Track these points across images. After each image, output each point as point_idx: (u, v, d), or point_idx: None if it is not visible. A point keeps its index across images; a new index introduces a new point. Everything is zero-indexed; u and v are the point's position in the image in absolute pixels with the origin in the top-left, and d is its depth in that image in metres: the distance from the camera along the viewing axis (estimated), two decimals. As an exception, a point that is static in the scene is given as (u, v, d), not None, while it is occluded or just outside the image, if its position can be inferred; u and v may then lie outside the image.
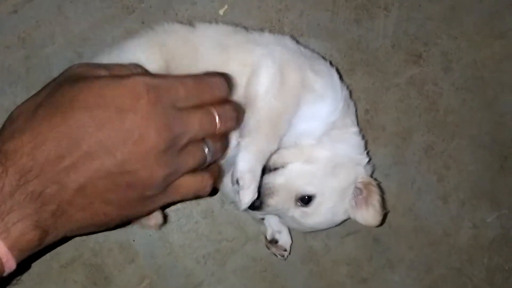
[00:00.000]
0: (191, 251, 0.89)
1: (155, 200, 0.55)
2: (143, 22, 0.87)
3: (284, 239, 0.86)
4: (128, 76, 0.52)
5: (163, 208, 0.69)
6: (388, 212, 0.83)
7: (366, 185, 0.76)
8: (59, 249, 0.86)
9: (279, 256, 0.87)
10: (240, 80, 0.72)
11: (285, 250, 0.87)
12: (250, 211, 0.74)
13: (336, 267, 0.92)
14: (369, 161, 0.80)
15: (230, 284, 0.90)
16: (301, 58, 0.77)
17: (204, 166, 0.59)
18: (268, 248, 0.87)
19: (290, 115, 0.73)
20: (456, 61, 0.93)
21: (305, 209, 0.74)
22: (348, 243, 0.92)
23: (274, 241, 0.86)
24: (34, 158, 0.47)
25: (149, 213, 0.61)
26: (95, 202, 0.50)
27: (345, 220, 0.79)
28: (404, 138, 0.93)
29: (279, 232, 0.86)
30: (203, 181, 0.58)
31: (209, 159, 0.57)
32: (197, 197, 0.60)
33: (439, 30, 0.93)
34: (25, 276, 0.85)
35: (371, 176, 0.80)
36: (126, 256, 0.88)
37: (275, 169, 0.73)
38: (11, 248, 0.47)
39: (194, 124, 0.54)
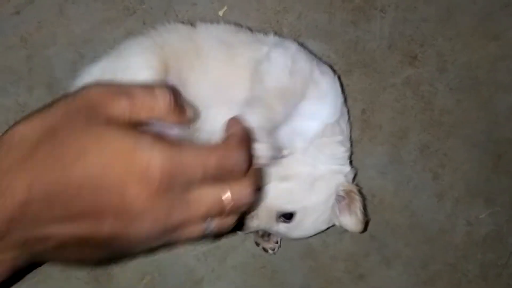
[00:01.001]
0: (192, 248, 0.91)
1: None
2: (144, 23, 0.88)
3: None
4: (150, 142, 0.43)
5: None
6: (370, 219, 0.84)
7: (348, 192, 0.76)
8: (61, 246, 0.87)
9: (270, 250, 0.88)
10: (246, 74, 0.73)
11: (276, 243, 0.88)
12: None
13: (334, 263, 0.94)
14: (351, 168, 0.80)
15: (230, 280, 0.92)
16: (309, 56, 0.78)
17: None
18: (257, 244, 0.88)
19: (296, 98, 0.72)
20: (451, 62, 0.95)
21: (288, 224, 0.75)
22: (346, 240, 0.94)
23: (266, 235, 0.87)
24: (23, 211, 0.42)
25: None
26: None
27: (333, 225, 0.80)
28: (400, 137, 0.94)
29: None
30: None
31: (209, 232, 0.50)
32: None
33: (435, 32, 0.94)
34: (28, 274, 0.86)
35: (354, 180, 0.80)
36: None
37: None
38: None
39: (200, 210, 0.46)
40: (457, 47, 0.95)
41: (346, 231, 0.91)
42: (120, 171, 0.42)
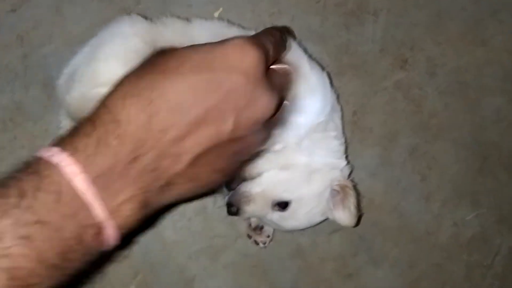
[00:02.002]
0: (184, 247, 0.92)
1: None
2: (139, 24, 0.89)
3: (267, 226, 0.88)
4: (229, 39, 0.49)
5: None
6: (363, 214, 0.86)
7: (343, 187, 0.78)
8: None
9: (261, 244, 0.89)
10: None
11: (268, 237, 0.89)
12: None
13: (323, 263, 0.95)
14: (347, 163, 0.81)
15: (222, 279, 0.93)
16: (298, 52, 0.79)
17: None
18: (250, 237, 0.90)
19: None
20: (440, 66, 0.97)
21: (282, 213, 0.77)
22: (335, 240, 0.95)
23: (259, 228, 0.88)
24: (149, 129, 0.43)
25: None
26: (205, 171, 0.48)
27: (325, 219, 0.81)
28: (390, 139, 0.96)
29: None
30: None
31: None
32: None
33: (425, 36, 0.96)
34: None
35: (349, 176, 0.82)
36: (121, 252, 0.90)
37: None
38: (118, 227, 0.43)
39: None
40: (446, 51, 0.97)
41: (335, 231, 0.94)
42: (224, 64, 0.47)
